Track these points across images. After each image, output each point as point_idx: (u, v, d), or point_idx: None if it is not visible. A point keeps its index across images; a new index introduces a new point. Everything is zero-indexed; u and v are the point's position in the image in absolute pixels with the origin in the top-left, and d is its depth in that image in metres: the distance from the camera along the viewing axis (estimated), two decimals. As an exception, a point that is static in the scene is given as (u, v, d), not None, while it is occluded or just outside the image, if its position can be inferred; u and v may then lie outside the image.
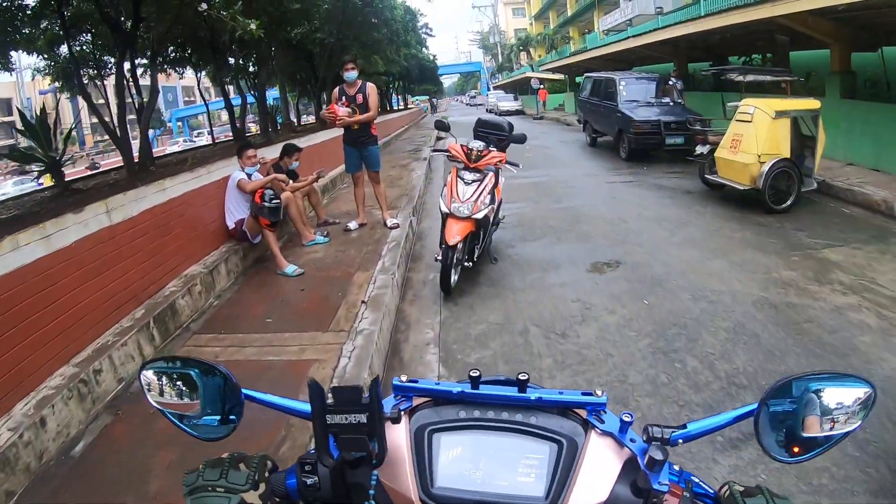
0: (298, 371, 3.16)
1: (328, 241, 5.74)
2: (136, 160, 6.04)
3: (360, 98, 5.69)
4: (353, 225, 6.16)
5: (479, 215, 4.32)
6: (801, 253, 4.96)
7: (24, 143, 5.61)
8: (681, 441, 0.78)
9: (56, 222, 3.12)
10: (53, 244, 3.12)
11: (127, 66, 5.90)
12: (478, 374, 0.81)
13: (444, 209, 4.35)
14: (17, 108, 5.52)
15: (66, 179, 5.55)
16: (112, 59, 7.33)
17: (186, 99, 45.96)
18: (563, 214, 6.88)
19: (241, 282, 4.83)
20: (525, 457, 0.75)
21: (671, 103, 11.42)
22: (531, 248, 5.60)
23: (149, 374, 0.88)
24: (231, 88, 12.46)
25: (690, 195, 7.55)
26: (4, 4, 5.20)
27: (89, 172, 10.88)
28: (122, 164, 7.14)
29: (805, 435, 0.75)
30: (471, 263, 4.52)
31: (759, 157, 6.22)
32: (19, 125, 5.05)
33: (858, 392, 0.75)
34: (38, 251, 3.03)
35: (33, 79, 9.85)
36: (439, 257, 4.29)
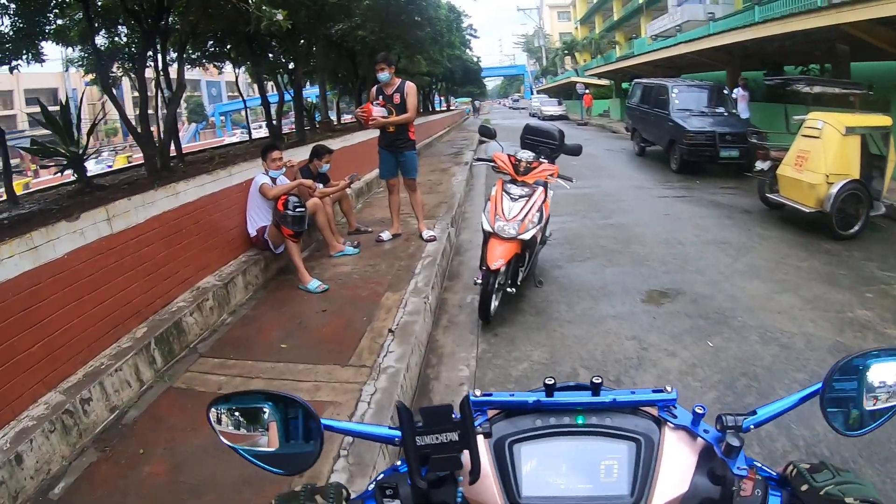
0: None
1: (358, 252, 5.30)
2: (167, 155, 5.68)
3: (397, 98, 5.20)
4: (386, 235, 5.70)
5: (527, 235, 3.79)
6: (876, 289, 4.38)
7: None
8: (752, 427, 0.82)
9: (45, 232, 2.75)
10: (42, 256, 2.75)
11: (152, 58, 5.61)
12: (553, 381, 0.84)
13: (487, 227, 3.84)
14: (38, 99, 5.31)
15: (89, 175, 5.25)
16: (151, 53, 7.06)
17: (230, 94, 46.68)
18: (613, 232, 6.29)
19: (259, 296, 4.42)
20: (605, 458, 0.76)
21: (726, 113, 10.67)
22: (580, 271, 5.04)
23: (218, 412, 0.85)
24: (270, 85, 12.25)
25: (749, 215, 6.91)
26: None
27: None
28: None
29: (868, 409, 0.80)
30: (514, 289, 3.98)
31: (828, 177, 5.64)
32: (54, 117, 4.73)
33: None
34: (24, 264, 2.66)
35: (66, 70, 9.76)
36: (479, 280, 3.79)
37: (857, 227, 5.71)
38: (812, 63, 12.86)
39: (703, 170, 10.08)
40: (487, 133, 4.64)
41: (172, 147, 5.99)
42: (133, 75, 7.78)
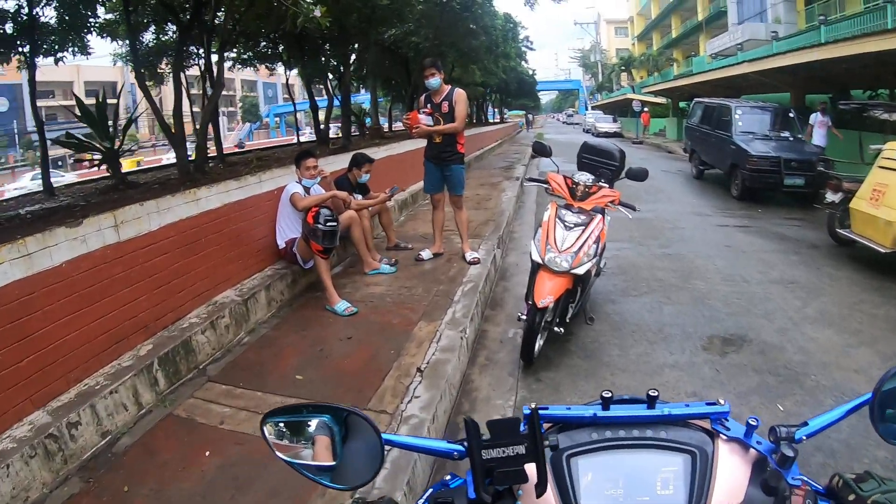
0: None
1: (395, 270, 4.91)
2: (204, 156, 5.46)
3: (445, 106, 4.80)
4: (426, 254, 5.28)
5: (581, 270, 3.31)
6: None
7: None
8: (804, 438, 0.81)
9: (41, 238, 2.46)
10: (36, 264, 2.47)
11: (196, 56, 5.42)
12: (610, 394, 0.84)
13: (537, 258, 3.37)
14: (73, 93, 5.19)
15: (123, 171, 5.07)
16: (196, 49, 6.95)
17: (285, 96, 47.66)
18: (671, 264, 5.72)
19: (283, 314, 4.08)
20: (661, 471, 0.76)
21: (791, 138, 9.88)
22: (635, 308, 4.50)
23: (273, 426, 0.83)
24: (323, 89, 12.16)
25: (818, 251, 6.24)
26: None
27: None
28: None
29: None
30: (561, 329, 3.49)
31: None
32: (90, 110, 4.56)
33: None
34: (15, 273, 2.38)
35: (115, 64, 9.86)
36: (523, 315, 3.32)
37: (938, 272, 5.00)
38: (881, 88, 12.00)
39: (766, 197, 9.37)
40: (542, 150, 4.18)
41: (214, 147, 5.82)
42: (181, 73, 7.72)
